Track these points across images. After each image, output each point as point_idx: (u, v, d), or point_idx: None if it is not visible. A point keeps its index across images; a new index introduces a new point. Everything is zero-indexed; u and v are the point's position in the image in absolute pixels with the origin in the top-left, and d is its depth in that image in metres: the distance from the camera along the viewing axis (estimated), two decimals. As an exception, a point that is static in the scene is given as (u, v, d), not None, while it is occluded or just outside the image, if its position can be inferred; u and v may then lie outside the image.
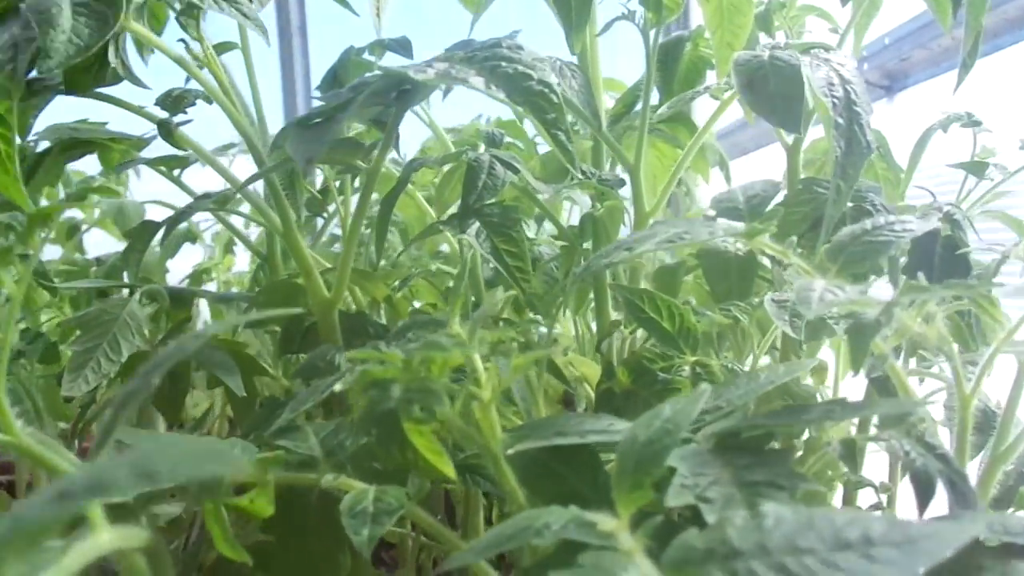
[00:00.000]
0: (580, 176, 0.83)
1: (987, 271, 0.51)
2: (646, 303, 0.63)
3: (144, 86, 0.62)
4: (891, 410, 0.39)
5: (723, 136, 1.65)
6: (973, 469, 0.57)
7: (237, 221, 1.08)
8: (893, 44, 1.48)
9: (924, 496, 0.46)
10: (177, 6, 0.61)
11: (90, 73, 0.57)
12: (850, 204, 0.72)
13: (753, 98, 0.60)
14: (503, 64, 0.49)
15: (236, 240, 1.63)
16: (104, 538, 0.30)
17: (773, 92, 0.60)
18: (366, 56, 0.89)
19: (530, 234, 1.01)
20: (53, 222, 0.62)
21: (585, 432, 0.39)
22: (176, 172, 0.90)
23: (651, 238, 0.46)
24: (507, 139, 1.00)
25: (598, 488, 0.37)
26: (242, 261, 1.65)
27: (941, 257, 0.67)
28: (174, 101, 0.64)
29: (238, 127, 0.65)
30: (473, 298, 0.80)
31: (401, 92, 0.60)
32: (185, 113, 0.64)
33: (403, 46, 0.85)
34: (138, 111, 0.64)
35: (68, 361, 0.72)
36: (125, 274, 0.85)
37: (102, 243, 1.51)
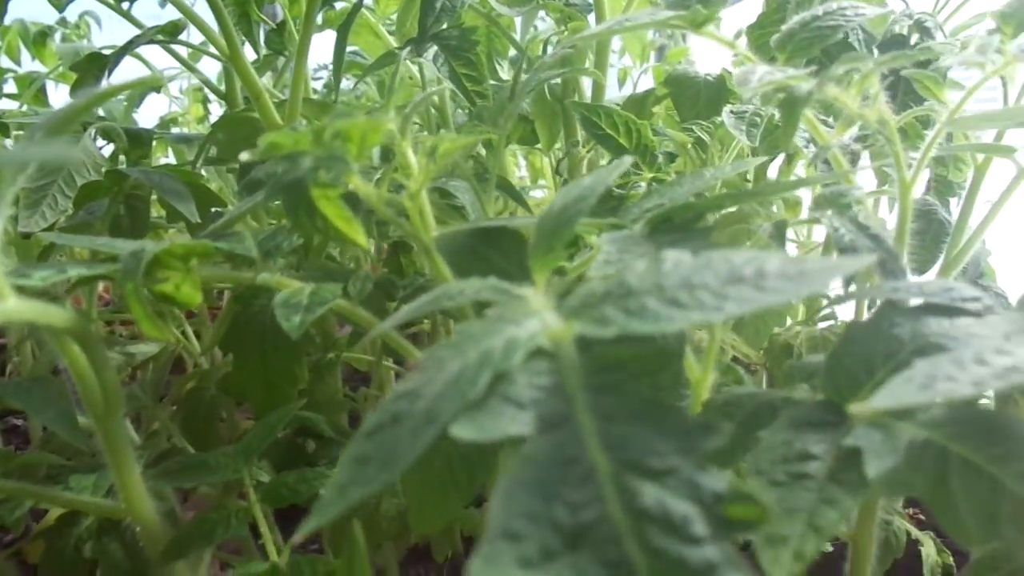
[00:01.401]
0: (544, -3, 0.79)
1: (941, 67, 0.49)
2: (603, 119, 0.61)
3: None
4: (827, 186, 0.39)
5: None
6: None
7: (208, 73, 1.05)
8: None
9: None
10: None
11: None
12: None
13: None
14: None
15: (209, 95, 1.59)
16: (10, 304, 0.30)
17: None
18: None
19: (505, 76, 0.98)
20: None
21: (513, 219, 0.38)
22: (125, 6, 0.87)
23: (599, 27, 0.44)
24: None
25: (523, 269, 0.37)
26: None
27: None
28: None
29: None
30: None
31: None
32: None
33: None
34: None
35: (23, 198, 0.71)
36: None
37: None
